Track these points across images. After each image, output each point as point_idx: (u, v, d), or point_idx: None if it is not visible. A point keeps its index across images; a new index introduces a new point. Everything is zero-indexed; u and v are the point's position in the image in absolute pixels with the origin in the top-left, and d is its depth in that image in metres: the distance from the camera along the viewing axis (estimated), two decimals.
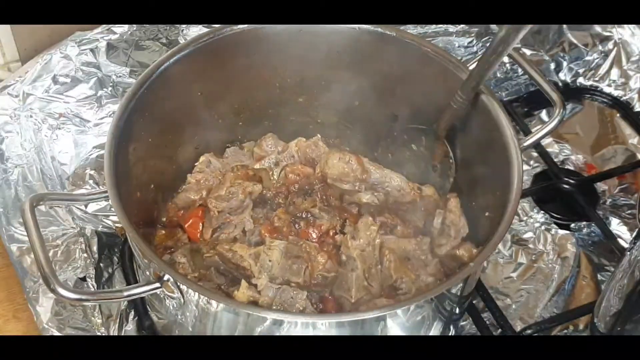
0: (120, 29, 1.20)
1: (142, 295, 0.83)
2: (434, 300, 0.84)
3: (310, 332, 0.79)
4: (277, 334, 0.80)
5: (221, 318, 0.83)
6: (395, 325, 0.82)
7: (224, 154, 1.12)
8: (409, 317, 0.83)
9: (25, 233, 1.03)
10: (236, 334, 0.83)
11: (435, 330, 0.91)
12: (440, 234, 1.01)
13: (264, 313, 0.78)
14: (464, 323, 1.04)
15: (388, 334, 0.82)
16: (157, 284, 0.81)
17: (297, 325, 0.79)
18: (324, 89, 1.10)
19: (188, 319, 0.86)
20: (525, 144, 0.97)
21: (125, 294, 0.82)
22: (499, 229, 0.85)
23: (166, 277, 0.81)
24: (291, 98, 1.12)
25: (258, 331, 0.80)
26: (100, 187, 1.11)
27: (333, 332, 0.79)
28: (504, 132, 0.93)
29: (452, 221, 1.01)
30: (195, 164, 1.08)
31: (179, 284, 0.80)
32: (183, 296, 0.82)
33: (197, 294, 0.80)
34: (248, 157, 1.12)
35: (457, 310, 0.93)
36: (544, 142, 1.26)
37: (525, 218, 1.16)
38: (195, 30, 1.22)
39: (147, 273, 0.87)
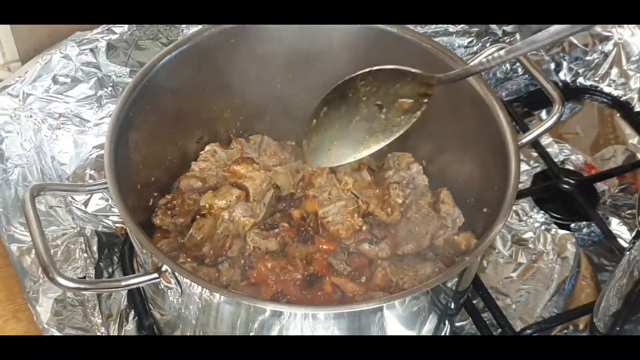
0: (120, 29, 1.20)
1: (141, 285, 0.84)
2: (430, 293, 0.85)
3: (309, 322, 0.80)
4: (278, 324, 0.80)
5: (223, 309, 0.83)
6: (392, 316, 0.83)
7: (230, 144, 1.13)
8: (405, 309, 0.84)
9: (25, 233, 1.04)
10: (238, 323, 0.83)
11: (430, 324, 0.91)
12: (437, 226, 1.03)
13: (262, 304, 0.79)
14: (464, 323, 1.04)
15: (385, 325, 0.83)
16: (155, 274, 0.82)
17: (296, 316, 0.79)
18: (325, 84, 1.10)
19: (191, 311, 0.87)
20: (524, 141, 0.97)
21: (124, 283, 0.83)
22: (495, 223, 0.86)
23: (164, 267, 0.81)
24: (292, 93, 1.12)
25: (259, 320, 0.81)
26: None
27: (332, 322, 0.80)
28: (502, 129, 0.93)
29: (447, 211, 1.02)
30: (201, 152, 1.09)
31: (176, 274, 0.81)
32: (181, 287, 0.82)
33: (194, 283, 0.81)
34: (254, 149, 1.12)
35: (453, 306, 0.93)
36: (544, 142, 1.26)
37: (525, 218, 1.16)
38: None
39: (147, 268, 0.88)
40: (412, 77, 0.91)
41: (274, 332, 0.81)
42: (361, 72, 0.94)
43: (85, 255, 1.05)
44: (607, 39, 1.35)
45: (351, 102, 0.96)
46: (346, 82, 0.95)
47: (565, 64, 1.36)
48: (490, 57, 0.85)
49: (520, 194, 1.16)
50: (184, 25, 1.24)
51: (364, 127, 0.96)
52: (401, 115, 0.94)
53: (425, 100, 0.92)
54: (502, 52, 0.84)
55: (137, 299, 1.03)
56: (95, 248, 1.06)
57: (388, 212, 1.04)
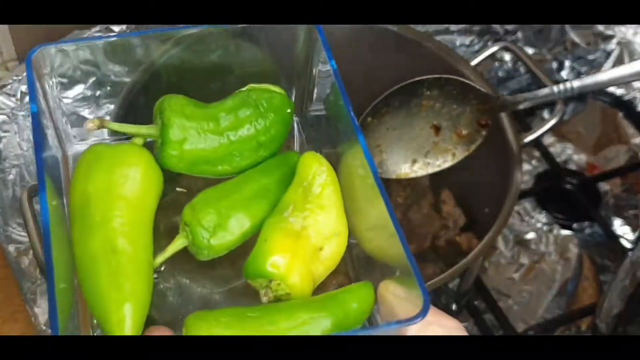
0: (118, 27, 1.20)
1: None
2: (431, 294, 0.84)
3: None
4: None
5: None
6: None
7: None
8: None
9: (23, 234, 1.04)
10: None
11: None
12: (439, 227, 1.02)
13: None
14: (465, 324, 1.04)
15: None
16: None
17: None
18: (325, 84, 1.09)
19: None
20: (525, 140, 0.96)
21: None
22: (496, 224, 0.85)
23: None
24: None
25: None
26: None
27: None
28: (504, 128, 0.93)
29: (448, 212, 1.02)
30: None
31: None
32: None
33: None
34: None
35: (454, 307, 0.92)
36: (546, 141, 1.25)
37: (527, 218, 1.15)
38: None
39: None
40: (476, 99, 0.91)
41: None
42: (431, 77, 0.94)
43: None
44: (609, 37, 1.34)
45: (410, 115, 0.96)
46: (413, 85, 0.95)
47: (567, 62, 1.35)
48: (561, 87, 0.87)
49: (522, 194, 1.15)
50: (183, 25, 1.23)
51: (414, 147, 0.96)
52: (456, 144, 0.94)
53: (484, 133, 0.92)
54: (575, 83, 0.86)
55: None
56: None
57: None
